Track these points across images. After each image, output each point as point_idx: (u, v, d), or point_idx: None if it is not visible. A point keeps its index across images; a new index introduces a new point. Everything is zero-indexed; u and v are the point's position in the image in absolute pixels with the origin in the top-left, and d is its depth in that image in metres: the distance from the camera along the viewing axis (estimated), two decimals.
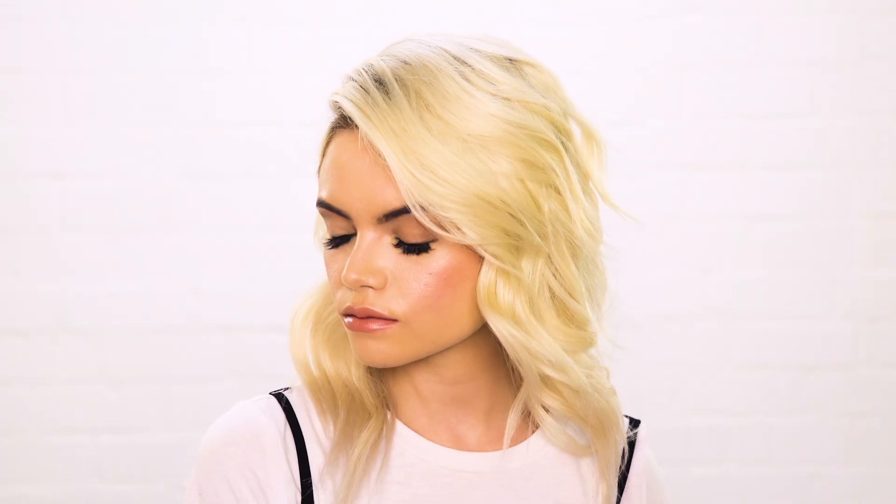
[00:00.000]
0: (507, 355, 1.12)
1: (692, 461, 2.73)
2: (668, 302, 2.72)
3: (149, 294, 2.65)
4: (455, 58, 1.06)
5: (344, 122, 1.07)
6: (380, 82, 1.04)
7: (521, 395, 1.12)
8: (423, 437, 1.13)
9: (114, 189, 2.64)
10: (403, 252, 1.05)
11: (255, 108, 2.66)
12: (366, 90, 1.04)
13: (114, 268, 2.64)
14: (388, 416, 1.13)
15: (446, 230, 1.03)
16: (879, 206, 2.73)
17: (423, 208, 1.02)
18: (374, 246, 1.05)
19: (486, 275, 1.05)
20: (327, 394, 1.13)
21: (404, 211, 1.03)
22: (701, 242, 2.72)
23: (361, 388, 1.13)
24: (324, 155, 1.10)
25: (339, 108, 1.07)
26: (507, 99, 1.05)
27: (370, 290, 1.05)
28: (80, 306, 2.64)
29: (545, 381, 1.10)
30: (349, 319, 1.07)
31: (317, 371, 1.14)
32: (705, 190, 2.71)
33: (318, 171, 1.10)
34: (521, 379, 1.13)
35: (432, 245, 1.05)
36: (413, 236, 1.04)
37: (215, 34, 2.65)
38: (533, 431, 1.17)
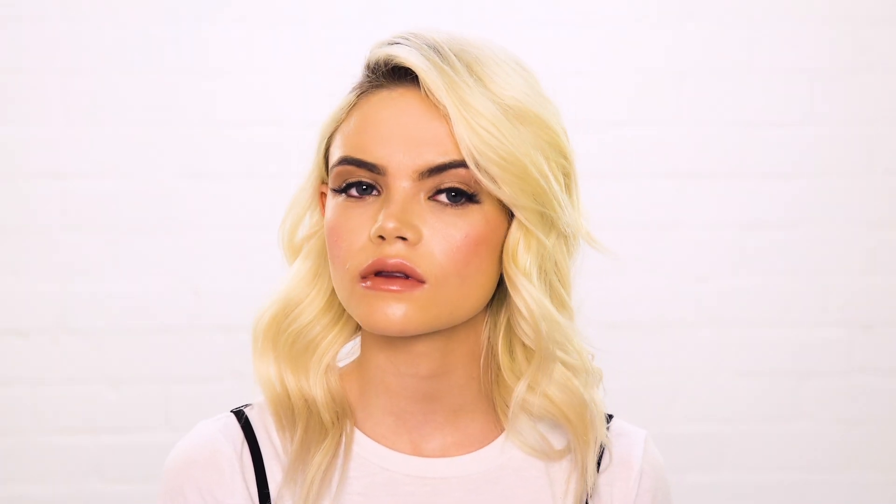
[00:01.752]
0: (487, 350, 1.12)
1: (688, 468, 2.72)
2: (662, 309, 2.72)
3: (149, 294, 2.65)
4: (486, 45, 1.09)
5: (384, 81, 1.07)
6: (431, 46, 1.06)
7: (532, 368, 1.09)
8: (384, 445, 1.11)
9: (114, 189, 2.64)
10: (438, 212, 1.04)
11: (255, 108, 2.66)
12: (419, 49, 1.06)
13: (114, 268, 2.64)
14: (348, 426, 1.11)
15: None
16: (874, 213, 2.73)
17: (475, 163, 1.03)
18: (411, 202, 1.05)
19: (514, 234, 1.07)
20: (286, 409, 1.12)
21: (452, 165, 1.04)
22: (696, 250, 2.71)
23: (320, 400, 1.11)
24: (343, 119, 1.08)
25: (390, 61, 1.07)
26: (532, 87, 1.08)
27: (401, 244, 1.04)
28: (80, 306, 2.64)
29: (551, 363, 1.09)
30: (367, 283, 1.04)
31: (279, 386, 1.13)
32: (700, 198, 2.71)
33: (331, 136, 1.09)
34: (493, 378, 1.12)
35: (468, 206, 1.05)
36: (452, 193, 1.05)
37: (215, 34, 2.65)
38: (498, 434, 1.14)
